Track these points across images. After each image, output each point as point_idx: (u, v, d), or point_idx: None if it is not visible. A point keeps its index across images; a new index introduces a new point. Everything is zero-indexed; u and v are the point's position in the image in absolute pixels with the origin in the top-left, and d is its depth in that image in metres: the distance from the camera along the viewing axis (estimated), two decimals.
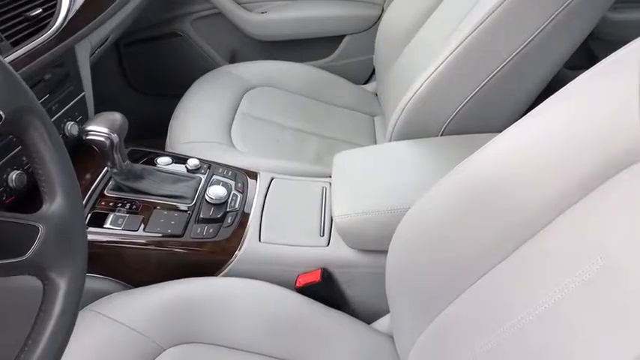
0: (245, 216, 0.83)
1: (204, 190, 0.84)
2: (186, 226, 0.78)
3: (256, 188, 0.88)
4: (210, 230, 0.79)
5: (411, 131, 0.87)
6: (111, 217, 0.78)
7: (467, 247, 0.54)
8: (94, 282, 0.78)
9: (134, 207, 0.80)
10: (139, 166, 0.84)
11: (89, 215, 0.78)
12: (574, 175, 0.44)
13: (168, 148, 1.07)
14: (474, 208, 0.54)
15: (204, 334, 0.69)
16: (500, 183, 0.52)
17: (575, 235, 0.43)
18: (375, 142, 1.23)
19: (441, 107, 0.85)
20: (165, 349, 0.66)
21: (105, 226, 0.77)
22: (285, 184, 0.90)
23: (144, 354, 0.65)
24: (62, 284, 0.45)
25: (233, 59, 1.50)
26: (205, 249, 0.77)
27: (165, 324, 0.68)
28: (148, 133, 1.20)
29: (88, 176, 0.83)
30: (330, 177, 0.89)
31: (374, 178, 0.80)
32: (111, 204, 0.80)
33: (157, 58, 1.47)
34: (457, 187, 0.58)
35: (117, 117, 0.77)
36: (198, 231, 0.78)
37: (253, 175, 0.91)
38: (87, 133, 0.75)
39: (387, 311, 0.80)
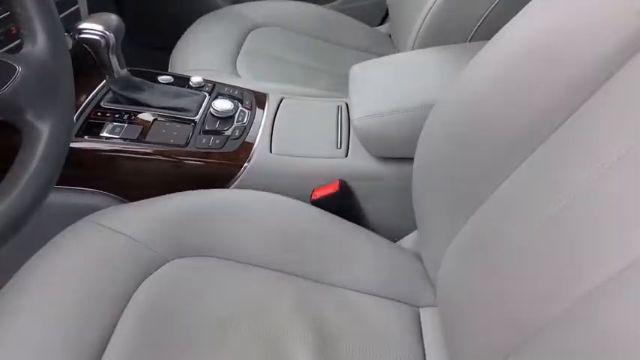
0: (254, 129, 0.75)
1: (210, 104, 0.77)
2: (190, 137, 0.71)
3: (265, 107, 0.81)
4: (217, 141, 0.71)
5: (436, 40, 0.80)
6: (108, 126, 0.71)
7: (506, 127, 0.47)
8: (90, 197, 0.71)
9: (133, 118, 0.73)
10: (138, 79, 0.77)
11: (83, 125, 0.71)
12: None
13: None
14: (514, 82, 0.47)
15: (213, 247, 0.62)
16: (541, 52, 0.45)
17: (614, 110, 0.37)
18: None
19: (468, 11, 0.78)
20: (169, 261, 0.59)
21: (101, 134, 0.69)
22: (296, 103, 0.83)
23: (146, 265, 0.58)
24: (44, 130, 0.38)
25: (236, 2, 1.42)
26: (211, 160, 0.70)
27: (169, 235, 0.61)
28: None
29: (82, 89, 0.76)
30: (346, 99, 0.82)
31: (397, 81, 0.72)
32: (107, 115, 0.73)
33: (156, 2, 1.40)
34: (495, 60, 0.51)
35: (112, 17, 0.70)
36: (204, 142, 0.71)
37: (262, 96, 0.84)
38: (80, 31, 0.68)
39: (411, 230, 0.73)
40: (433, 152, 0.57)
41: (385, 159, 0.71)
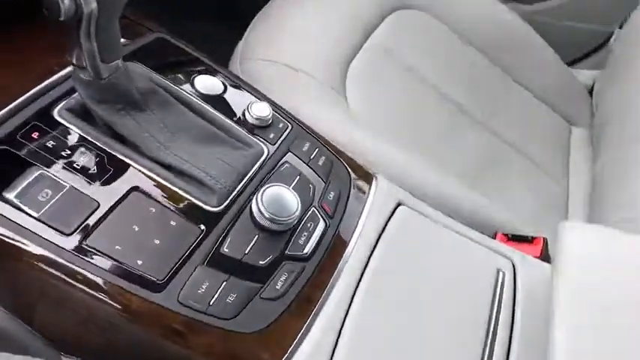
0: (324, 275, 0.36)
1: (257, 187, 0.38)
2: (178, 267, 0.32)
3: (362, 215, 0.41)
4: (232, 297, 0.32)
5: None
6: (32, 175, 0.32)
7: None
8: None
9: (92, 169, 0.34)
10: (144, 82, 0.38)
11: None
12: None
13: (235, 66, 0.60)
14: None
15: None
16: None
17: None
18: (567, 165, 0.74)
19: None
20: None
21: (6, 195, 0.32)
22: (421, 226, 0.42)
23: None
24: None
25: None
26: (206, 340, 0.31)
27: None
28: None
29: (31, 73, 0.38)
30: (505, 245, 0.41)
31: None
32: (49, 144, 0.34)
33: None
34: None
35: None
36: (203, 290, 0.32)
37: (365, 178, 0.44)
38: None
39: None
40: None
41: None
